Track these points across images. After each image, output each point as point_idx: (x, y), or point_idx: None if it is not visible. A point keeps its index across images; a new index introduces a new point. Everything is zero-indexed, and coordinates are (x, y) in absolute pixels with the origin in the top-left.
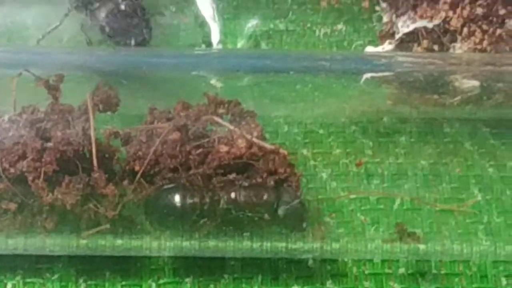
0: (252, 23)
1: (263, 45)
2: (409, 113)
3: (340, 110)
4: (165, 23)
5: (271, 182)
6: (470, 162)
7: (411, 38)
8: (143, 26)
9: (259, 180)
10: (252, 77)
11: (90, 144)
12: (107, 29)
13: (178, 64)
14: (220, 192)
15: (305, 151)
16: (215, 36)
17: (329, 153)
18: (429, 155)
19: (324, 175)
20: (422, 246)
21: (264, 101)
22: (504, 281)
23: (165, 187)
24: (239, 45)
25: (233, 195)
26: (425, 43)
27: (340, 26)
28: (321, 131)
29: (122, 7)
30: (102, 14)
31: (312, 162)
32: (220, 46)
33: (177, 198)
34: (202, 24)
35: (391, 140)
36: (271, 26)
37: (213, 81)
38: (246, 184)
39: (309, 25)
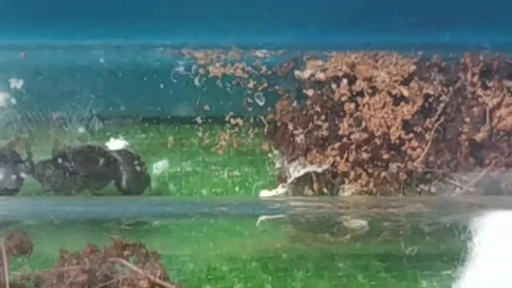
0: (160, 166)
1: (171, 186)
2: (305, 250)
3: (241, 248)
4: None
5: None
6: None
7: (303, 181)
8: None
9: None
10: (159, 220)
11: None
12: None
13: (87, 212)
14: None
15: (208, 287)
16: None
17: None
18: None
19: None
20: None
21: (171, 241)
22: None
23: None
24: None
25: None
26: (315, 186)
27: (242, 167)
28: (224, 268)
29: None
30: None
31: None
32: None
33: None
34: None
35: (289, 274)
36: (178, 169)
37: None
38: None
39: (213, 167)
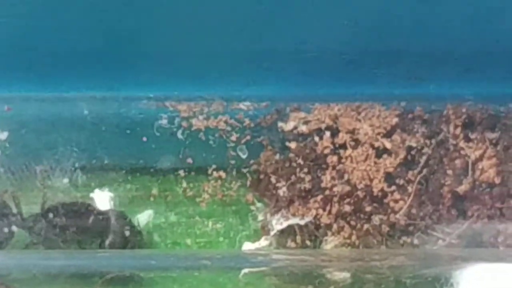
0: (145, 217)
1: (156, 237)
2: None
3: None
4: None
5: None
6: None
7: (286, 233)
8: None
9: None
10: (144, 273)
11: None
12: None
13: (72, 265)
14: None
15: None
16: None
17: None
18: None
19: None
20: None
21: None
22: None
23: None
24: None
25: None
26: (298, 238)
27: (226, 217)
28: None
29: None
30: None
31: None
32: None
33: None
34: None
35: None
36: (163, 219)
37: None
38: None
39: (197, 217)
